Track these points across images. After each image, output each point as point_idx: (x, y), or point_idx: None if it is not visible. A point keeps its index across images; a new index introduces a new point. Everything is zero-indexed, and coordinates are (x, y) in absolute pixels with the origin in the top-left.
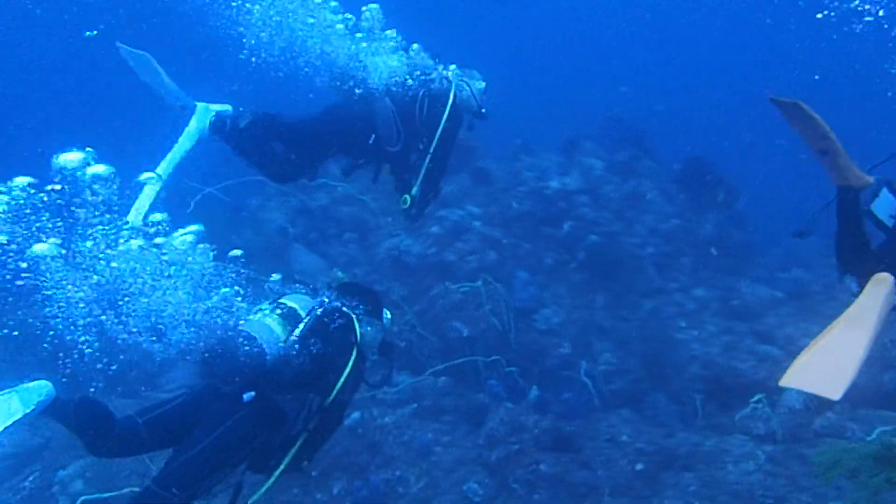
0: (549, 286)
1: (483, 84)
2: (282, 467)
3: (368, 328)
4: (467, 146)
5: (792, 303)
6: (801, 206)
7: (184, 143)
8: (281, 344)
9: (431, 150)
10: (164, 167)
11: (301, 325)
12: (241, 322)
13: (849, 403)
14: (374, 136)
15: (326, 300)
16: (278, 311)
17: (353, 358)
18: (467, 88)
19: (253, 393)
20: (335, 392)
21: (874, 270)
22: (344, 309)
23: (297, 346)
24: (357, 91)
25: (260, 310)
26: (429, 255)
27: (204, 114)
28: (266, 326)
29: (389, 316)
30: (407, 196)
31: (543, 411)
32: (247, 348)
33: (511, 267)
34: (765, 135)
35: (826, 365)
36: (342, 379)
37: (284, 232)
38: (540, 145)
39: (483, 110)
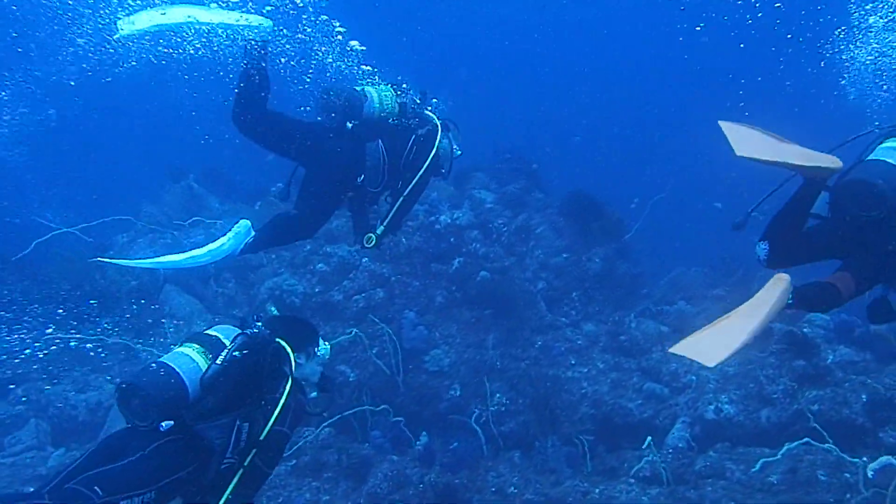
0: (440, 325)
1: (459, 153)
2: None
3: (304, 360)
4: None
5: (676, 337)
6: (687, 236)
7: None
8: (202, 373)
9: (406, 192)
10: None
11: (224, 353)
12: (161, 356)
13: (729, 442)
14: (363, 175)
15: (255, 329)
16: (199, 342)
17: (288, 387)
18: (448, 146)
19: (171, 422)
20: (271, 422)
21: (791, 248)
22: (272, 338)
23: (218, 373)
24: (349, 124)
25: (182, 342)
26: (314, 295)
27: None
28: (186, 357)
29: (328, 348)
30: (372, 235)
31: (430, 463)
32: (164, 380)
33: (400, 306)
34: (654, 166)
35: (712, 341)
36: (278, 407)
37: (155, 272)
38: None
39: (443, 171)
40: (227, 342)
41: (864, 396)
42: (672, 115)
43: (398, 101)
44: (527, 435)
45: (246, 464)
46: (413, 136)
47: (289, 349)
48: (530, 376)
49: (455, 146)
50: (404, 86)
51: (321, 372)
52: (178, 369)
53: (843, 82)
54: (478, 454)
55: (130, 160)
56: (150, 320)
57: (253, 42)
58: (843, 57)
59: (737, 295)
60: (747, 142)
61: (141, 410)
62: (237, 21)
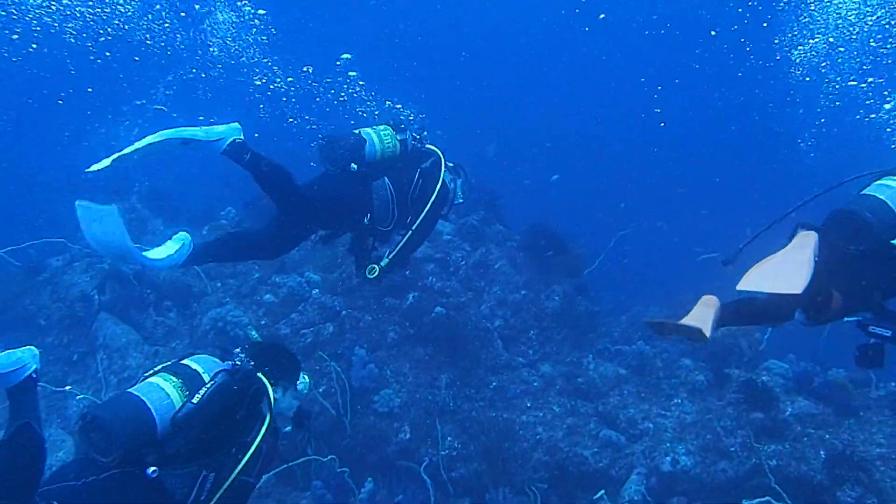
0: (391, 363)
1: (461, 200)
2: None
3: (282, 395)
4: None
5: (634, 379)
6: (646, 274)
7: (191, 132)
8: (175, 411)
9: (414, 227)
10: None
11: (203, 390)
12: (132, 387)
13: (686, 497)
14: (369, 215)
15: (238, 362)
16: (176, 374)
17: (263, 430)
18: (451, 184)
19: (157, 469)
20: (238, 469)
21: None
22: (258, 374)
23: (192, 413)
24: (353, 166)
25: (156, 372)
26: (260, 328)
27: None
28: (160, 391)
29: (308, 381)
30: (375, 266)
31: None
32: (131, 414)
33: (350, 342)
34: (614, 201)
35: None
36: (248, 454)
37: (89, 299)
38: None
39: (443, 211)
40: (206, 377)
41: (822, 452)
42: (640, 151)
43: (398, 137)
44: (478, 483)
45: None
46: (418, 170)
47: (268, 385)
48: (484, 419)
49: (459, 192)
50: (402, 126)
51: (298, 406)
52: (149, 404)
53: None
54: None
55: (66, 177)
56: (81, 350)
57: (227, 148)
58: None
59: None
60: (783, 277)
61: (103, 445)
62: (204, 135)
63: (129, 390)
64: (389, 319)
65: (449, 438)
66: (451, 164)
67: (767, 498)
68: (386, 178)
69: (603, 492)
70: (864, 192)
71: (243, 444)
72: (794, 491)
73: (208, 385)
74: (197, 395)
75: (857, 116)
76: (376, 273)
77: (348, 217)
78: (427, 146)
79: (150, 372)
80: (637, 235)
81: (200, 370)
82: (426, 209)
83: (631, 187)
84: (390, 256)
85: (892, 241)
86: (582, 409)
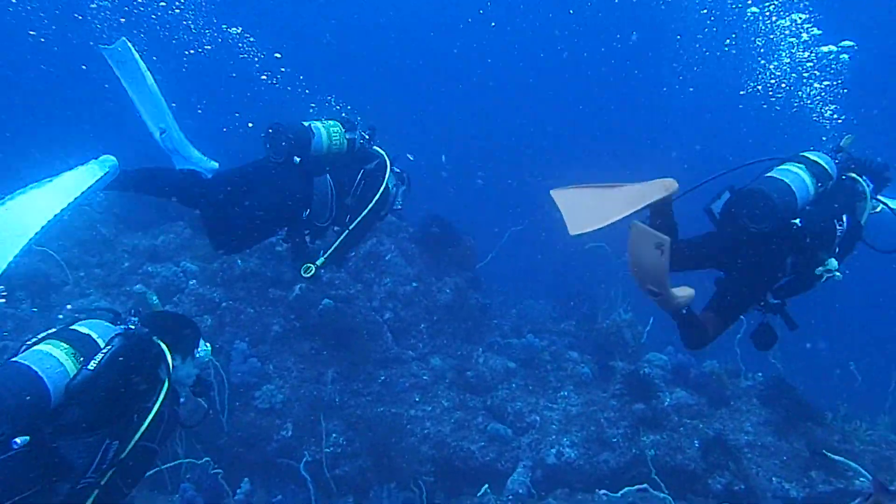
0: (275, 357)
1: (399, 207)
2: None
3: (179, 362)
4: None
5: (523, 372)
6: (538, 266)
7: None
8: (69, 379)
9: (352, 227)
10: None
11: (98, 356)
12: (18, 354)
13: (569, 488)
14: (308, 210)
15: (132, 326)
16: (67, 340)
17: (161, 396)
18: (394, 188)
19: (27, 438)
20: (138, 435)
21: (675, 252)
22: (153, 338)
23: (89, 380)
24: (297, 159)
25: (46, 338)
26: None
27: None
28: (51, 358)
29: (209, 348)
30: (311, 265)
31: None
32: (21, 384)
33: (230, 335)
34: (508, 194)
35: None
36: (147, 420)
37: None
38: None
39: (382, 213)
40: (101, 342)
41: (696, 442)
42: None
43: (347, 136)
44: (363, 480)
45: (103, 483)
46: (362, 171)
47: (166, 350)
48: (371, 415)
49: (400, 199)
50: (353, 125)
51: (197, 374)
52: (40, 373)
53: None
54: None
55: None
56: None
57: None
58: None
59: (583, 328)
60: (578, 213)
61: None
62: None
63: (15, 359)
64: (274, 312)
65: (334, 435)
66: (396, 170)
67: (645, 485)
68: (328, 175)
69: (486, 487)
70: (768, 174)
71: (144, 409)
72: (671, 480)
73: (104, 350)
74: (93, 361)
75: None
76: (312, 272)
77: (287, 209)
78: (375, 148)
79: (34, 339)
80: (531, 231)
81: (94, 335)
82: (366, 210)
83: (528, 183)
84: (326, 255)
85: (793, 221)
86: (471, 403)
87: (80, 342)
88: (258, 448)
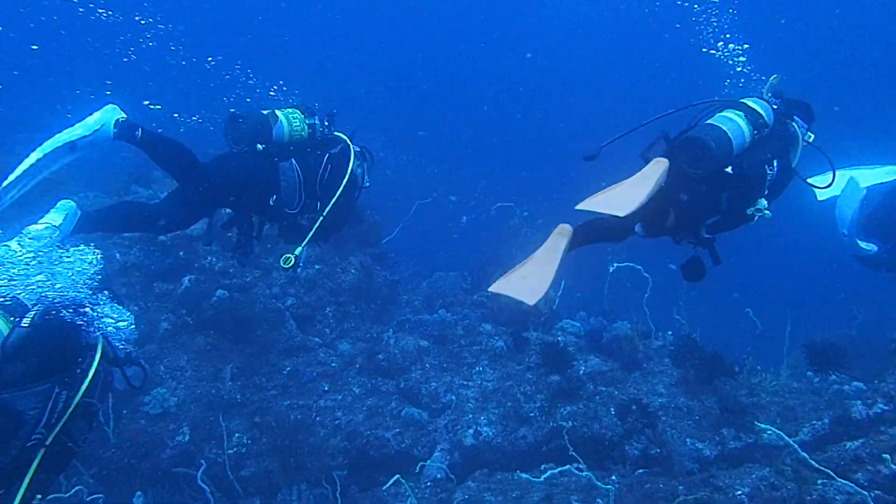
0: (165, 357)
1: (368, 185)
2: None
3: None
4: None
5: (436, 350)
6: (450, 241)
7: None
8: (3, 337)
9: (325, 213)
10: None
11: (31, 314)
12: None
13: (487, 469)
14: (275, 196)
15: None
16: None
17: (98, 354)
18: (359, 172)
19: None
20: (87, 381)
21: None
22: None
23: (26, 337)
24: (259, 146)
25: None
26: None
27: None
28: None
29: (132, 317)
30: (290, 255)
31: None
32: None
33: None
34: (412, 168)
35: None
36: (89, 375)
37: None
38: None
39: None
40: (28, 304)
41: (612, 409)
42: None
43: (307, 122)
44: (270, 481)
45: (48, 442)
46: (327, 156)
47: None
48: (276, 409)
49: (367, 177)
50: (311, 111)
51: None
52: None
53: None
54: None
55: None
56: None
57: (116, 131)
58: None
59: (495, 302)
60: (615, 201)
61: None
62: (84, 130)
63: None
64: (161, 308)
65: (237, 434)
66: (357, 149)
67: (569, 466)
68: (294, 161)
69: (398, 476)
70: (708, 121)
71: (87, 363)
72: (589, 449)
73: (35, 309)
74: (26, 318)
75: None
76: (291, 262)
77: (254, 197)
78: (335, 133)
79: None
80: (437, 203)
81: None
82: (336, 196)
83: (438, 160)
84: (304, 243)
85: (727, 169)
86: (383, 388)
87: (11, 303)
88: (151, 457)
